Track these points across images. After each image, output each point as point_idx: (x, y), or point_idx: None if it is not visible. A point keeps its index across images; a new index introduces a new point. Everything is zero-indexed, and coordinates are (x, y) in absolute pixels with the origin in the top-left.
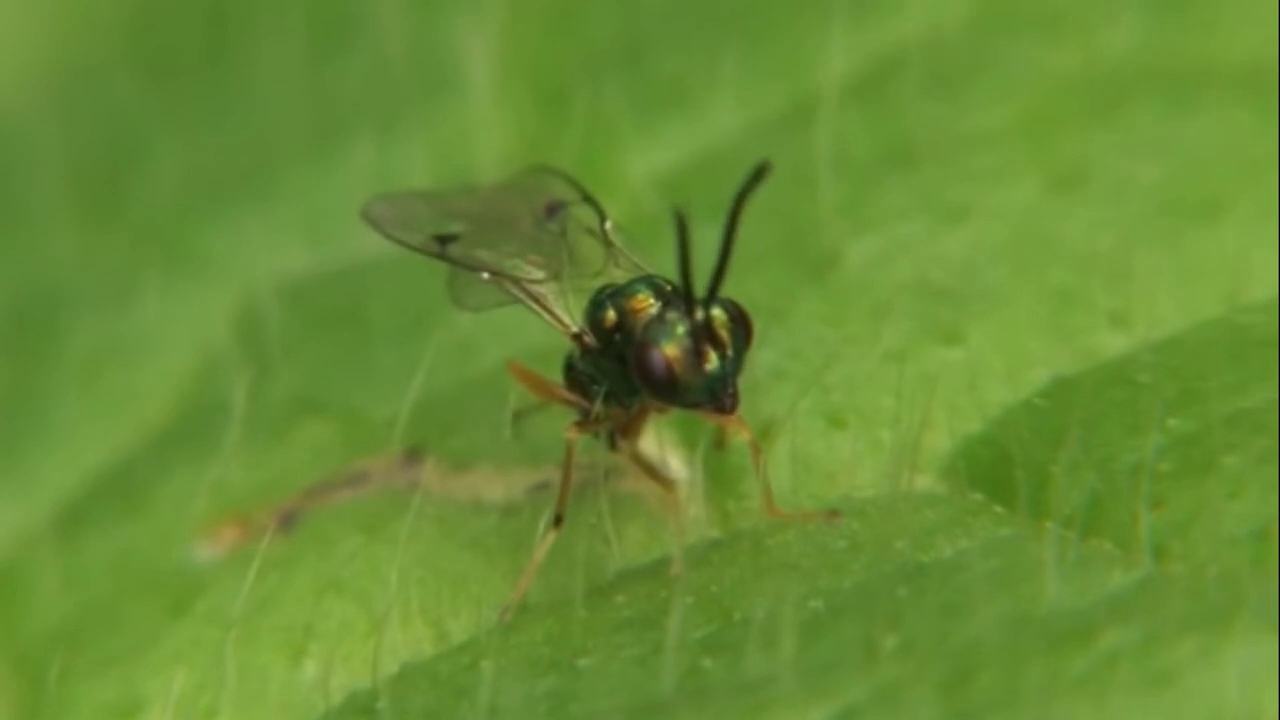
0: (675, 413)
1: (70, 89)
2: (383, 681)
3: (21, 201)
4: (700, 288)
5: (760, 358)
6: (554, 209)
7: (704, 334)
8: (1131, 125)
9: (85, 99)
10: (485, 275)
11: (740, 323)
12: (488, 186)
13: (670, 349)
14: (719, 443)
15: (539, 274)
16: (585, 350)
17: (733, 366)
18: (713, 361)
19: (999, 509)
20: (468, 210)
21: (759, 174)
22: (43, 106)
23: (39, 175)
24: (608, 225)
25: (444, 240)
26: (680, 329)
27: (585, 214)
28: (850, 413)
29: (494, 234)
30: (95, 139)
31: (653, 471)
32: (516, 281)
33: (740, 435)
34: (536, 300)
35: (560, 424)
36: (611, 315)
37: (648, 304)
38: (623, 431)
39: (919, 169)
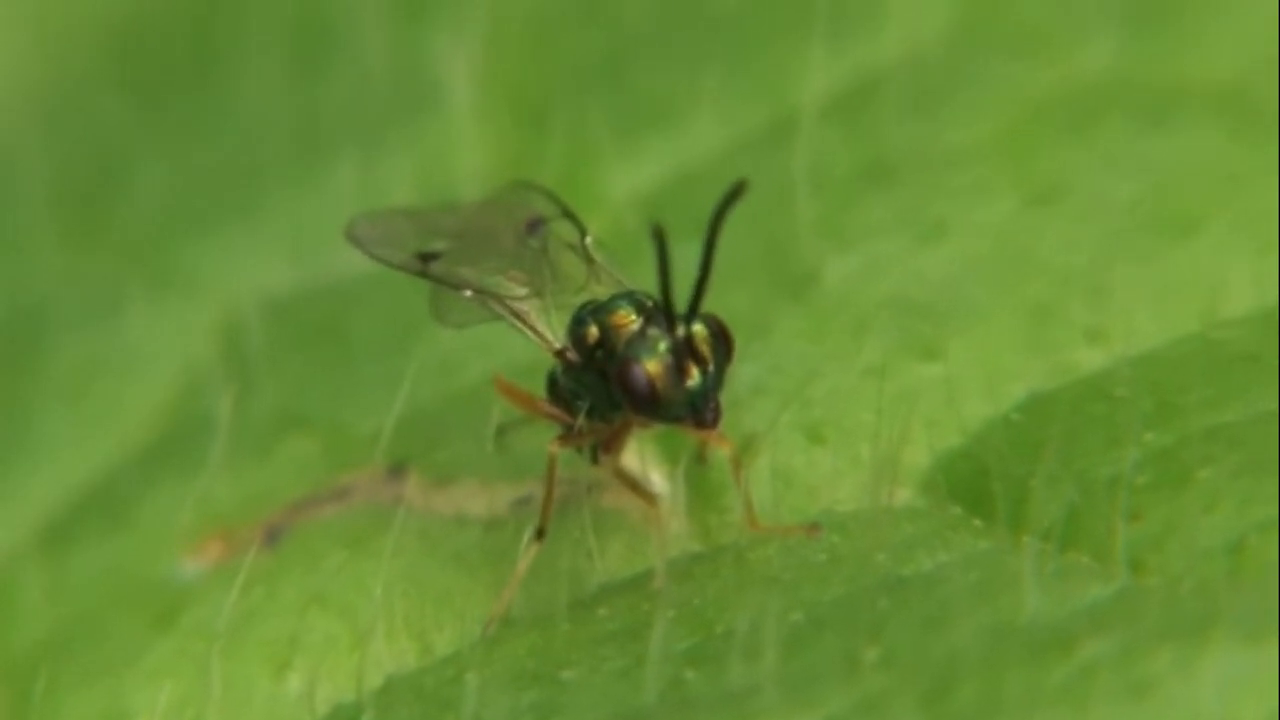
0: (657, 428)
1: (55, 106)
2: (367, 694)
3: (6, 218)
4: (681, 304)
5: (741, 373)
6: (535, 225)
7: (685, 350)
8: (1108, 143)
9: (70, 116)
10: (468, 293)
11: (721, 338)
12: (470, 203)
13: (652, 364)
14: (700, 457)
15: (521, 290)
16: (568, 366)
17: (714, 382)
18: (694, 377)
19: (978, 522)
20: (450, 227)
21: (736, 192)
22: (28, 123)
23: (24, 192)
24: (589, 241)
25: (426, 258)
26: (662, 345)
27: (566, 230)
28: (831, 428)
29: (476, 251)
30: (80, 156)
31: (635, 486)
32: (499, 298)
33: (721, 450)
34: (519, 317)
35: (543, 438)
36: (593, 331)
37: (629, 320)
38: (605, 446)
39: (898, 186)
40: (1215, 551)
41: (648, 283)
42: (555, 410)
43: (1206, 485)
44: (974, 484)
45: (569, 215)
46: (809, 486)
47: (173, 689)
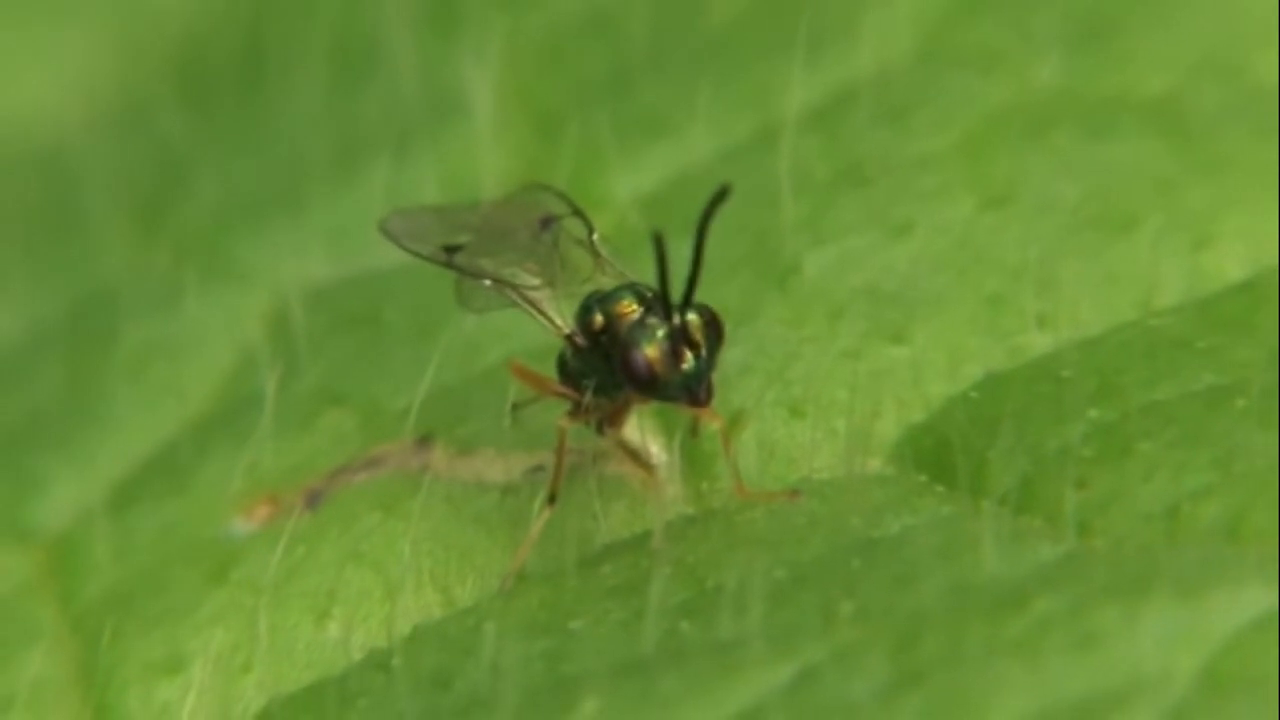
0: (655, 404)
1: (125, 121)
2: (397, 641)
3: (81, 216)
4: (677, 295)
5: (730, 356)
6: (548, 222)
7: (681, 336)
8: (1056, 150)
9: (137, 128)
10: (488, 282)
11: (713, 326)
12: (489, 202)
13: (651, 350)
14: (694, 430)
15: (535, 281)
16: (576, 349)
17: (706, 365)
18: (688, 360)
19: (941, 489)
20: (472, 223)
21: (721, 195)
22: (102, 136)
23: (98, 195)
24: (595, 237)
25: (451, 250)
26: (660, 332)
27: (576, 227)
28: (809, 404)
29: (495, 244)
30: (146, 164)
31: (636, 456)
32: (515, 288)
33: (712, 424)
34: (533, 304)
35: (554, 414)
36: (599, 318)
37: (631, 309)
38: (609, 420)
39: (870, 188)
40: (1154, 516)
41: (647, 275)
42: (564, 389)
43: (1145, 456)
44: (937, 455)
45: (578, 213)
46: (790, 456)
47: (225, 636)
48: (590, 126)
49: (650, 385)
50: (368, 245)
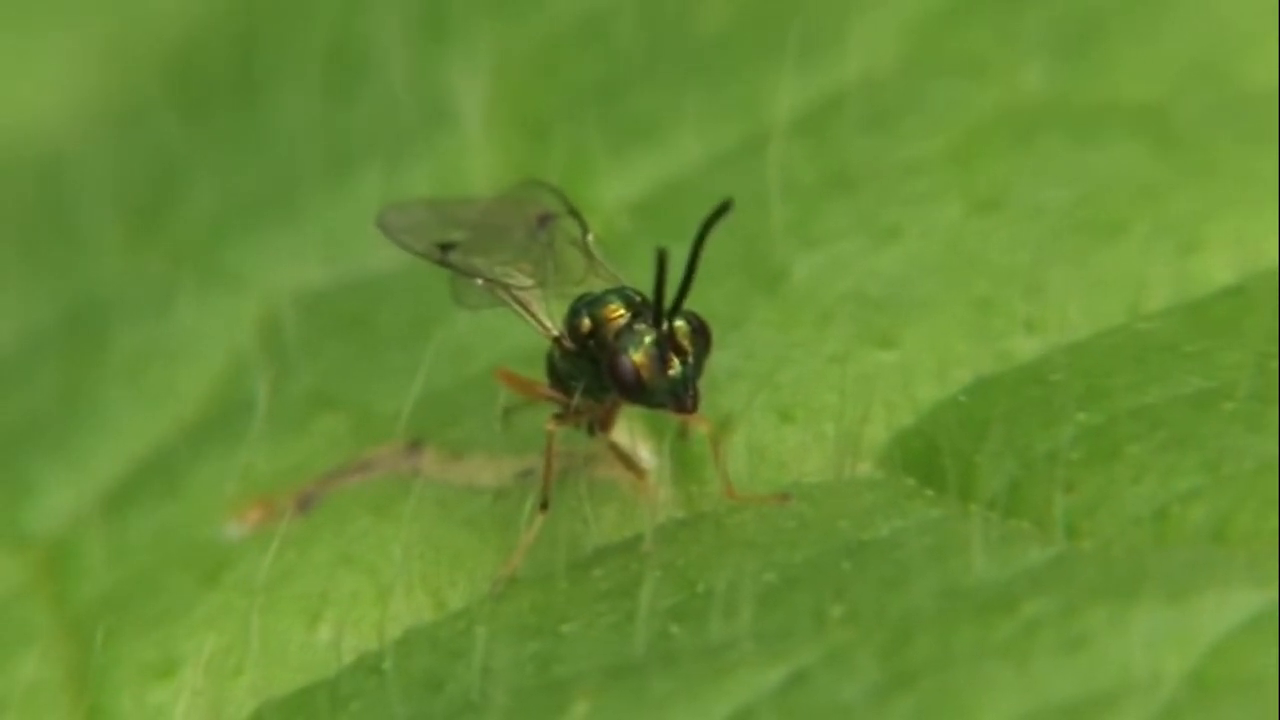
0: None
1: (120, 127)
2: (388, 644)
3: (77, 223)
4: (668, 302)
5: (719, 360)
6: (545, 219)
7: (668, 344)
8: (1043, 156)
9: (132, 135)
10: (480, 282)
11: (701, 333)
12: (486, 197)
13: (638, 357)
14: (683, 433)
15: (527, 281)
16: (564, 352)
17: (694, 372)
18: (676, 368)
19: (930, 493)
20: (468, 219)
21: (722, 210)
22: (96, 142)
23: (92, 201)
24: (589, 238)
25: (445, 248)
26: (648, 339)
27: (570, 227)
28: (799, 408)
29: (490, 242)
30: (140, 170)
31: (626, 459)
32: (506, 288)
33: (700, 428)
34: (523, 305)
35: (544, 418)
36: (587, 323)
37: (619, 314)
38: (599, 423)
39: (858, 194)
40: (1142, 519)
41: (637, 277)
42: (553, 392)
43: (1133, 459)
44: (926, 458)
45: (574, 214)
46: (780, 460)
47: (217, 638)
48: (580, 132)
49: (637, 392)
50: (360, 250)
